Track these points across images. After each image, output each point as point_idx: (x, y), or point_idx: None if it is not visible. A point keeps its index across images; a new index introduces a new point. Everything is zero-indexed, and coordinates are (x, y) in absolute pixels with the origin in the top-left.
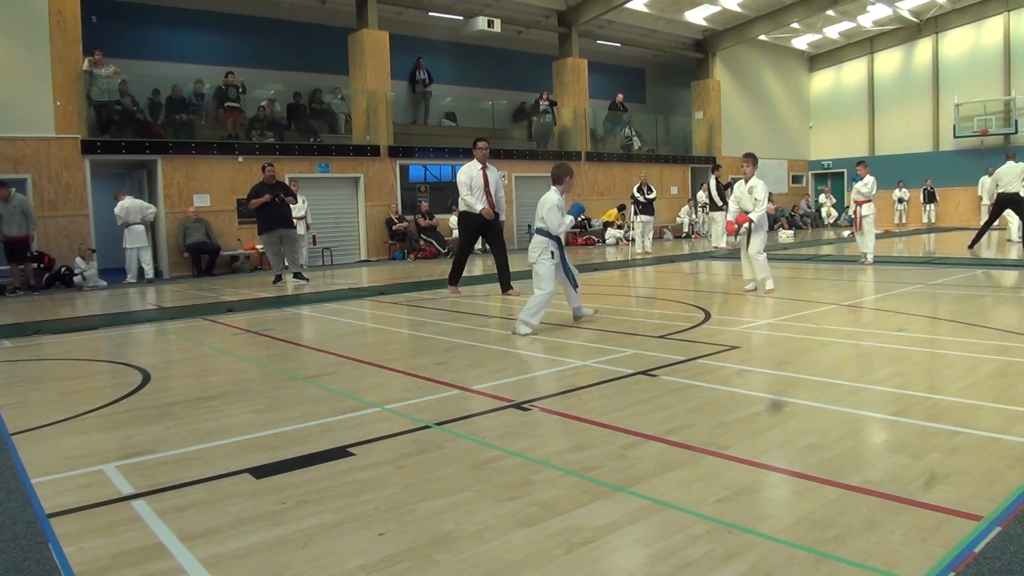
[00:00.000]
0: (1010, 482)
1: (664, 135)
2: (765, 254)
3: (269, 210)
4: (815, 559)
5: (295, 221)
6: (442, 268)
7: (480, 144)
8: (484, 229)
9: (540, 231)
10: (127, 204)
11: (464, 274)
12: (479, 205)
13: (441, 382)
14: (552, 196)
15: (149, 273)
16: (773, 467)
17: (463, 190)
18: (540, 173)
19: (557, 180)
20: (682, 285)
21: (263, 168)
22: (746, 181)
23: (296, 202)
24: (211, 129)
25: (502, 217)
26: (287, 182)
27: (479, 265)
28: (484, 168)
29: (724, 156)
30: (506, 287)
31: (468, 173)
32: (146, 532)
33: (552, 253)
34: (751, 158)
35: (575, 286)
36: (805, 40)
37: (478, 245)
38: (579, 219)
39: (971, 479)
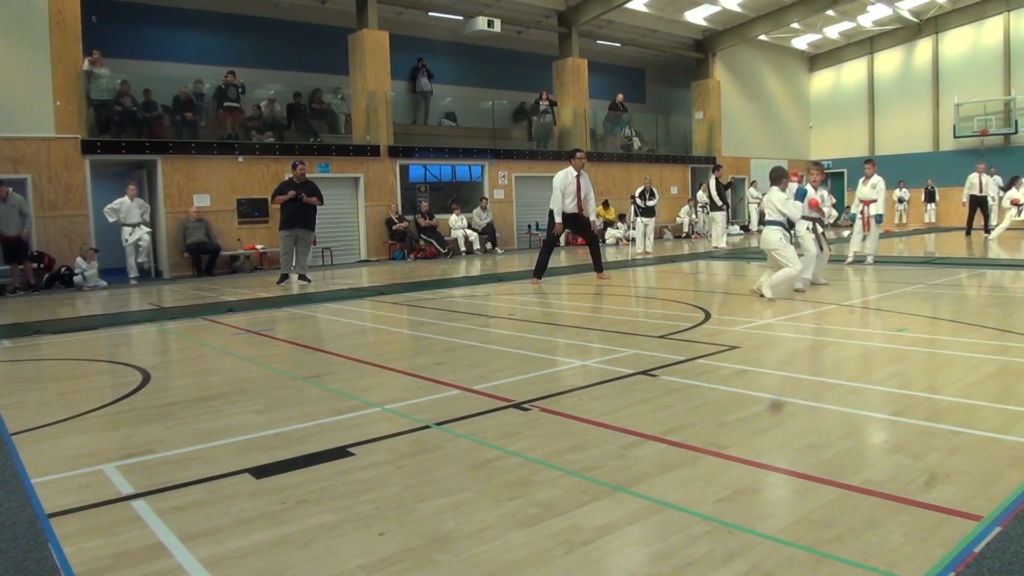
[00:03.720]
0: (1010, 482)
1: (664, 135)
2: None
3: (289, 208)
4: (815, 559)
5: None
6: (442, 268)
7: (578, 155)
8: (575, 226)
9: (770, 223)
10: (116, 206)
11: (462, 274)
12: (563, 207)
13: (441, 382)
14: (778, 193)
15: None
16: (773, 467)
17: (555, 194)
18: (540, 173)
19: (776, 181)
20: (682, 285)
21: (293, 166)
22: (815, 188)
23: (322, 203)
24: (211, 129)
25: (592, 216)
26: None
27: (476, 266)
28: (579, 176)
29: (724, 156)
30: (599, 270)
31: (564, 180)
32: (146, 532)
33: (788, 237)
34: (817, 167)
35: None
36: (805, 40)
37: (477, 245)
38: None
39: (971, 479)
